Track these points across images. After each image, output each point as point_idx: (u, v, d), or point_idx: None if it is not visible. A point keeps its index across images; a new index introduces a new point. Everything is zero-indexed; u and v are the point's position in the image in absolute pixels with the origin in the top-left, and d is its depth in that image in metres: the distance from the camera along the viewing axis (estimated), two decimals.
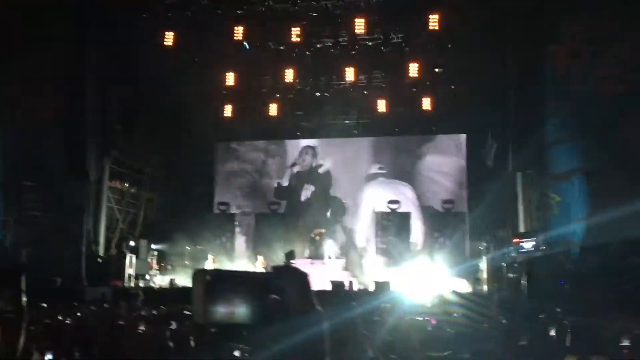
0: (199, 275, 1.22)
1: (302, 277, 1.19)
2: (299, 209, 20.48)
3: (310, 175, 20.72)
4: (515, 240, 14.40)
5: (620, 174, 13.85)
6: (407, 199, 19.66)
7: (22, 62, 18.01)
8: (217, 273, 1.25)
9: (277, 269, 1.22)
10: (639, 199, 12.12)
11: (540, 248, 13.56)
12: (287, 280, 1.21)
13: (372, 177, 20.44)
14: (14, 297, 1.22)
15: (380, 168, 20.41)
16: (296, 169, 20.78)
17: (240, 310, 1.24)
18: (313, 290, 1.18)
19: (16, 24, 18.00)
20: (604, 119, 14.24)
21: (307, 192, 20.68)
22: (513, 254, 14.26)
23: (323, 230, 18.68)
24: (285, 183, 20.79)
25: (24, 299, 1.35)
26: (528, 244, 13.76)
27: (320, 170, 20.66)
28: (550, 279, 14.05)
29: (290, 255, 18.35)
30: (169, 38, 17.99)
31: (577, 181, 14.36)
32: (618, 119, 14.13)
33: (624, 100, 14.11)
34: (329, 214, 20.47)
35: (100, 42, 16.83)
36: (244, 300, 1.23)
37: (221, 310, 1.23)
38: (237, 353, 4.25)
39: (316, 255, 17.89)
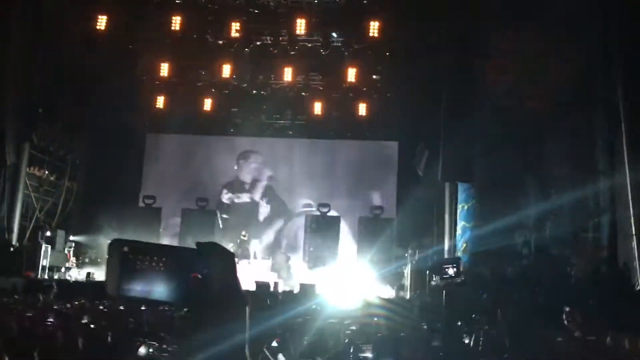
0: (116, 245, 1.07)
1: (228, 256, 1.07)
2: (230, 209, 20.20)
3: (252, 186, 20.50)
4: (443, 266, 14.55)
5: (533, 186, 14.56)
6: (337, 203, 19.74)
7: None
8: (135, 244, 1.10)
9: (201, 245, 1.09)
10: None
11: (460, 277, 13.80)
12: (211, 257, 1.08)
13: (303, 180, 20.39)
14: None
15: (311, 171, 20.41)
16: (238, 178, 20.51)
17: (159, 287, 1.10)
18: (237, 272, 1.06)
19: None
20: (525, 134, 14.84)
21: (242, 198, 20.46)
22: (433, 282, 14.47)
23: (245, 234, 18.49)
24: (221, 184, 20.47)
25: None
26: (451, 270, 13.94)
27: (264, 184, 20.51)
28: (470, 289, 14.44)
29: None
30: (102, 22, 17.34)
31: (495, 192, 14.92)
32: (537, 136, 14.79)
33: (544, 118, 14.76)
34: (260, 216, 20.30)
35: (25, 22, 15.95)
36: (163, 276, 1.10)
37: (138, 286, 1.09)
38: (142, 350, 4.06)
39: (242, 256, 17.66)
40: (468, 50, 14.80)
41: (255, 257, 18.04)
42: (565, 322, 6.35)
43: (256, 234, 19.06)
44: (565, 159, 14.78)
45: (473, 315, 9.89)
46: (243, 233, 18.45)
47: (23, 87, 16.09)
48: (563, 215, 14.19)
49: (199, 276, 1.12)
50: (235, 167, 20.59)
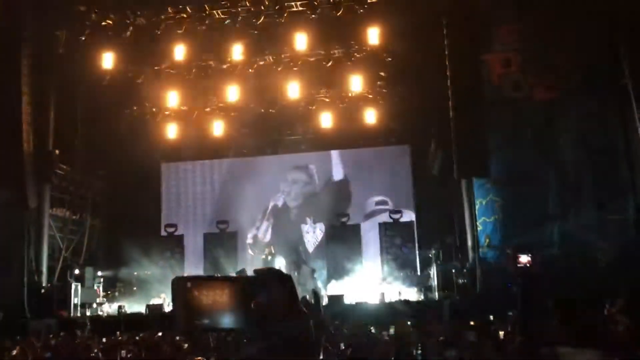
0: (179, 283, 1.19)
1: (285, 280, 1.18)
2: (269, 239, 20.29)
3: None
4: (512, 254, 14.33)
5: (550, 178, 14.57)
6: (356, 212, 19.81)
7: None
8: (197, 279, 1.22)
9: (259, 272, 1.20)
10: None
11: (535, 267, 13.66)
12: (269, 283, 1.19)
13: (320, 191, 20.52)
14: None
15: (328, 181, 20.54)
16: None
17: (224, 316, 1.21)
18: (296, 292, 1.18)
19: None
20: (537, 124, 14.90)
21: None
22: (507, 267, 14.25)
23: (271, 248, 18.59)
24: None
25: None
26: (525, 258, 13.75)
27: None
28: (498, 283, 14.44)
29: (241, 273, 18.18)
30: (108, 60, 17.69)
31: (511, 185, 14.96)
32: (549, 124, 14.83)
33: (555, 106, 14.82)
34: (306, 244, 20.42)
35: (35, 65, 16.34)
36: (227, 305, 1.21)
37: (205, 318, 1.21)
38: None
39: None
40: (472, 46, 14.91)
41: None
42: (607, 310, 6.31)
43: (281, 251, 19.16)
44: (580, 144, 14.80)
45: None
46: (268, 250, 18.56)
47: (38, 131, 16.44)
48: (584, 201, 14.18)
49: (259, 302, 1.21)
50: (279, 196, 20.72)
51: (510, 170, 14.86)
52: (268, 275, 1.21)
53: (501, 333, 7.52)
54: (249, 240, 20.13)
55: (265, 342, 1.20)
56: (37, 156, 16.27)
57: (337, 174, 20.55)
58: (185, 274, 18.88)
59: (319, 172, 20.68)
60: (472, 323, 8.44)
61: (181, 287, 1.20)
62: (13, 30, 16.04)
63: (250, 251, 19.94)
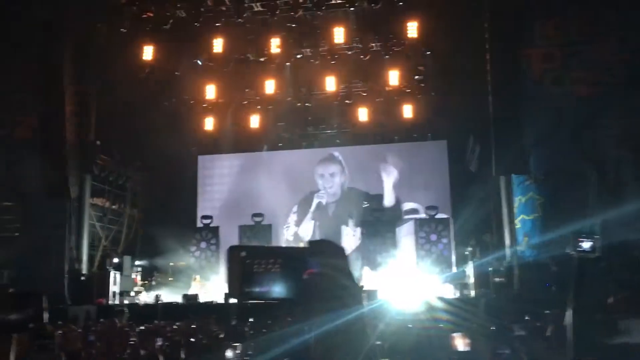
0: (234, 251, 1.18)
1: (339, 251, 1.16)
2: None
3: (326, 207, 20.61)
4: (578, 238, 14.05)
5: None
6: (390, 207, 19.71)
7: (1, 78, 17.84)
8: (251, 249, 1.21)
9: (313, 243, 1.18)
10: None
11: (596, 253, 13.39)
12: (323, 254, 1.17)
13: (356, 185, 20.47)
14: (35, 316, 1.18)
15: (364, 176, 20.46)
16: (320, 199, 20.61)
17: (276, 286, 1.20)
18: (350, 266, 1.15)
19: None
20: (578, 120, 14.55)
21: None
22: (569, 251, 14.08)
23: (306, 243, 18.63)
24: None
25: (46, 315, 1.30)
26: (586, 244, 13.48)
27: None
28: (536, 282, 14.20)
29: None
30: (148, 52, 17.93)
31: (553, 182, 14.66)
32: (591, 120, 14.46)
33: (597, 101, 14.44)
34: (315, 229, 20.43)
35: (77, 58, 16.69)
36: (280, 275, 1.19)
37: (257, 287, 1.19)
38: (229, 353, 4.18)
39: None
40: (513, 40, 14.62)
41: None
42: None
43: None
44: (622, 141, 14.40)
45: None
46: (301, 244, 18.62)
47: (80, 123, 16.81)
48: (627, 199, 13.80)
49: (313, 272, 1.19)
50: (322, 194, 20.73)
51: (551, 167, 14.55)
52: (322, 246, 1.18)
53: (549, 328, 7.39)
54: (289, 237, 20.13)
55: (317, 313, 1.17)
56: (79, 147, 16.65)
57: (372, 168, 20.43)
58: (220, 266, 19.13)
59: (352, 164, 20.61)
60: (527, 318, 8.28)
61: (235, 256, 1.19)
62: (57, 23, 16.40)
63: (284, 236, 20.01)
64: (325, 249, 1.19)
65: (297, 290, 1.20)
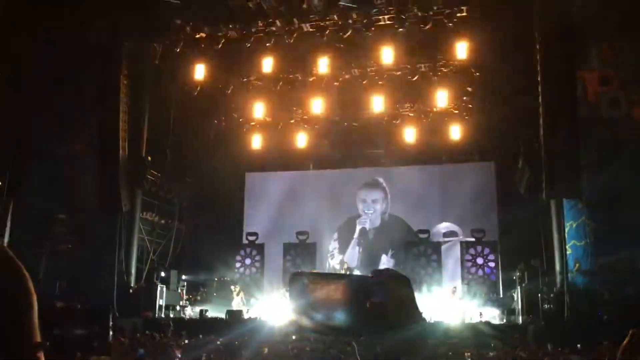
0: (296, 277, 1.19)
1: (404, 280, 1.16)
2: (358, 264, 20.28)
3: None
4: None
5: None
6: (436, 228, 19.46)
7: (56, 96, 18.57)
8: (314, 275, 1.22)
9: (376, 272, 1.19)
10: None
11: None
12: (387, 283, 1.17)
13: (401, 207, 20.32)
14: (101, 334, 1.22)
15: (409, 198, 20.28)
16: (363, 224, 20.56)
17: (338, 313, 1.20)
18: (414, 296, 1.15)
19: (51, 61, 18.61)
20: (636, 144, 14.11)
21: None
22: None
23: (347, 266, 18.62)
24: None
25: (111, 333, 1.34)
26: None
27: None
28: (588, 310, 13.76)
29: None
30: (199, 71, 18.37)
31: (607, 208, 14.23)
32: None
33: None
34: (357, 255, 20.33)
35: (131, 77, 17.23)
36: (342, 302, 1.19)
37: (319, 314, 1.20)
38: None
39: None
40: (567, 62, 14.33)
41: None
42: None
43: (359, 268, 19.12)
44: None
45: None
46: (345, 266, 18.61)
47: (133, 138, 17.31)
48: None
49: (376, 302, 1.18)
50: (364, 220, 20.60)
51: (605, 192, 14.13)
52: (386, 275, 1.18)
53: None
54: (336, 265, 19.93)
55: (379, 343, 1.17)
56: (130, 162, 17.11)
57: (417, 189, 20.24)
58: (265, 283, 19.22)
59: (397, 186, 20.45)
60: (579, 346, 8.01)
61: (297, 283, 1.20)
62: (114, 44, 17.00)
63: (328, 264, 19.99)
64: (390, 278, 1.19)
65: (359, 319, 1.19)
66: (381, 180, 20.55)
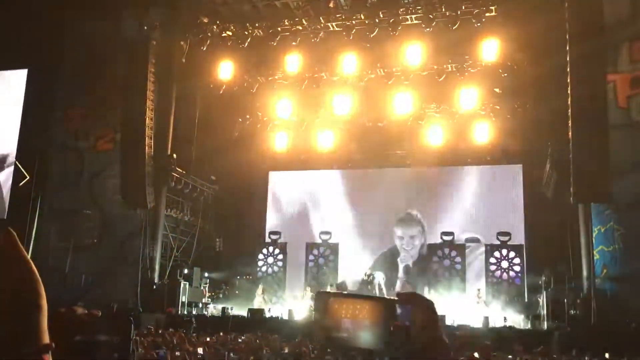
0: (322, 296, 1.16)
1: (428, 305, 1.11)
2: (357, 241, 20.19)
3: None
4: None
5: None
6: (461, 231, 19.25)
7: (82, 92, 18.85)
8: (339, 296, 1.19)
9: (402, 295, 1.15)
10: None
11: None
12: (412, 307, 1.13)
13: (426, 209, 20.12)
14: (123, 346, 1.19)
15: (434, 199, 20.08)
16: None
17: (363, 334, 1.17)
18: (439, 320, 1.10)
19: (79, 57, 18.89)
20: None
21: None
22: None
23: (370, 272, 18.54)
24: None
25: (131, 342, 1.33)
26: None
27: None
28: (615, 317, 13.49)
29: (341, 285, 18.23)
30: (225, 70, 18.46)
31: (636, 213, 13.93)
32: None
33: None
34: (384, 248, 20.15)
35: (158, 74, 17.37)
36: (367, 324, 1.17)
37: (343, 334, 1.17)
38: None
39: (367, 291, 17.62)
40: (597, 64, 14.02)
41: (381, 289, 17.90)
42: None
43: (381, 269, 19.01)
44: None
45: None
46: (367, 272, 18.53)
47: (159, 136, 17.45)
48: None
49: (401, 325, 1.16)
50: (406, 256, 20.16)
51: (635, 197, 13.81)
52: (411, 298, 1.15)
53: None
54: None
55: None
56: (156, 159, 17.26)
57: (442, 191, 20.03)
58: (287, 282, 19.25)
59: (421, 188, 20.19)
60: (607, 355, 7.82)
61: (323, 300, 1.17)
62: (141, 42, 17.16)
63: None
64: (414, 301, 1.16)
65: (384, 342, 1.17)
66: (415, 212, 20.14)
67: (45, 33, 18.29)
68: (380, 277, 18.54)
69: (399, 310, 1.16)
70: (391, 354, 1.14)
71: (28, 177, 18.79)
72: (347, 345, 1.19)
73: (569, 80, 14.25)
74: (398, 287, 19.19)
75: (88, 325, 1.20)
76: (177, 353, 8.96)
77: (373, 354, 1.17)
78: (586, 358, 10.17)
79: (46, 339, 0.82)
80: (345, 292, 1.17)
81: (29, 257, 0.88)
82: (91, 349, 1.20)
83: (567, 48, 14.36)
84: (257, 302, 17.58)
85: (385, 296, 1.23)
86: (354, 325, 1.17)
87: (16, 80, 20.09)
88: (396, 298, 1.18)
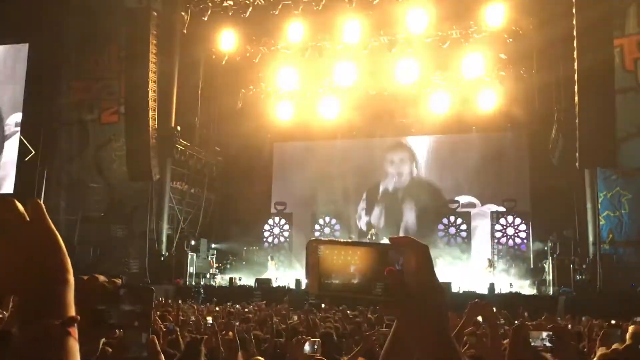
0: (313, 245, 1.15)
1: (422, 249, 1.11)
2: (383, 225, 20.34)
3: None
4: None
5: None
6: (467, 197, 19.25)
7: (85, 65, 18.74)
8: (331, 243, 1.18)
9: (394, 239, 1.14)
10: None
11: None
12: (405, 251, 1.12)
13: (433, 176, 20.12)
14: (143, 314, 1.20)
15: (440, 166, 20.07)
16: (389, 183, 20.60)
17: (356, 282, 1.17)
18: (433, 265, 1.10)
19: (80, 29, 18.72)
20: None
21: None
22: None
23: (374, 232, 18.66)
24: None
25: (154, 313, 1.34)
26: None
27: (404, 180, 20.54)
28: (621, 281, 13.55)
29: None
30: (228, 39, 18.28)
31: None
32: None
33: None
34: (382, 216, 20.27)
35: (160, 46, 17.22)
36: (360, 270, 1.16)
37: (336, 281, 1.17)
38: (307, 347, 4.21)
39: None
40: (604, 27, 13.79)
41: None
42: None
43: (385, 233, 19.07)
44: None
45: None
46: (372, 231, 18.60)
47: (162, 108, 17.38)
48: None
49: (394, 270, 1.15)
50: (389, 180, 20.65)
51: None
52: (404, 243, 1.13)
53: None
54: (363, 227, 20.05)
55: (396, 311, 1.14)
56: (160, 132, 17.22)
57: (448, 158, 19.98)
58: (293, 251, 19.38)
59: (427, 155, 20.24)
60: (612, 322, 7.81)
61: (314, 250, 1.16)
62: (142, 13, 16.97)
63: (358, 225, 20.03)
64: (407, 245, 1.14)
65: (378, 287, 1.16)
66: (406, 141, 20.41)
67: (46, 5, 18.10)
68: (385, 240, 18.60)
69: (391, 255, 1.15)
70: (385, 298, 1.14)
71: (33, 152, 18.82)
72: (341, 292, 1.19)
73: (575, 45, 14.04)
74: (374, 217, 19.66)
75: (110, 293, 1.20)
76: (188, 321, 9.07)
77: (368, 300, 1.17)
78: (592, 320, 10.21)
79: (72, 312, 0.83)
80: (337, 240, 1.16)
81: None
82: (113, 317, 1.20)
83: (574, 12, 14.12)
84: (269, 270, 17.71)
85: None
86: (347, 271, 1.17)
87: (18, 54, 19.97)
88: (389, 242, 1.17)
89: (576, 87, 14.17)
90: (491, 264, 16.55)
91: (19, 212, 0.84)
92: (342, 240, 1.22)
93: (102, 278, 1.22)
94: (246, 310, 12.31)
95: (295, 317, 11.01)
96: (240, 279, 17.03)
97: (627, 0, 14.60)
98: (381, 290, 1.18)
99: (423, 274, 1.07)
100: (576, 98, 14.13)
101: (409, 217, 19.88)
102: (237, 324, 10.23)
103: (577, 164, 14.29)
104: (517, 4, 16.08)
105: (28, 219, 0.84)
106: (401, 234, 19.69)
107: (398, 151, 20.42)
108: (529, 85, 17.69)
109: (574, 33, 14.18)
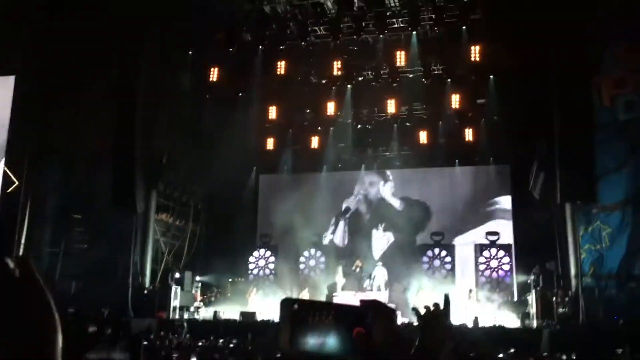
0: (287, 304, 1.24)
1: (388, 313, 1.22)
2: (346, 243, 20.38)
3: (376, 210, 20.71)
4: None
5: None
6: (449, 231, 19.39)
7: (71, 94, 18.77)
8: (304, 302, 1.27)
9: (364, 302, 1.24)
10: None
11: None
12: (373, 313, 1.23)
13: (401, 206, 20.30)
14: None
15: (422, 200, 20.24)
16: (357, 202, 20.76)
17: (329, 341, 1.26)
18: (398, 327, 1.21)
19: (68, 59, 18.80)
20: None
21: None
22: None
23: (359, 264, 18.64)
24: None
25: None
26: None
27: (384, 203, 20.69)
28: (603, 314, 13.68)
29: (332, 287, 18.30)
30: (214, 74, 18.49)
31: (622, 212, 14.13)
32: None
33: None
34: (377, 247, 20.29)
35: (148, 78, 17.34)
36: (332, 330, 1.25)
37: (310, 341, 1.25)
38: None
39: (358, 287, 17.76)
40: (582, 65, 14.18)
41: (379, 289, 17.90)
42: None
43: (372, 266, 19.09)
44: None
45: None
46: (357, 263, 18.60)
47: (148, 140, 17.41)
48: None
49: (363, 330, 1.24)
50: (352, 199, 20.83)
51: (622, 196, 14.01)
52: (371, 305, 1.23)
53: None
54: (326, 243, 20.22)
55: None
56: (146, 163, 17.22)
57: (431, 192, 20.18)
58: (280, 284, 19.30)
59: (410, 188, 20.44)
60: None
61: (288, 309, 1.25)
62: (133, 45, 17.12)
63: (340, 264, 20.00)
64: (374, 308, 1.25)
65: (348, 347, 1.25)
66: (389, 172, 20.68)
67: (33, 33, 18.19)
68: (382, 272, 18.43)
69: (361, 316, 1.24)
70: (355, 357, 1.22)
71: (17, 183, 18.67)
72: (312, 351, 1.26)
73: (554, 82, 14.44)
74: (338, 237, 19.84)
75: (100, 343, 1.28)
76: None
77: (337, 358, 1.25)
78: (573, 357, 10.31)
79: None
80: (309, 300, 1.25)
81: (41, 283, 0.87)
82: None
83: (552, 51, 14.55)
84: (250, 303, 17.61)
85: (349, 303, 1.31)
86: (321, 331, 1.25)
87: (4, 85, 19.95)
88: (358, 305, 1.26)
89: (556, 123, 14.51)
90: (470, 294, 16.65)
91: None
92: (315, 300, 1.31)
93: (91, 329, 1.27)
94: (231, 345, 12.22)
95: (278, 355, 10.97)
96: (218, 312, 16.91)
97: (605, 38, 15.01)
98: (350, 350, 1.26)
99: (388, 336, 1.17)
100: (556, 134, 14.46)
101: (374, 230, 20.00)
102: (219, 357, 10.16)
103: (557, 198, 14.54)
104: (496, 43, 16.49)
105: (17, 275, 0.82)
106: (382, 264, 19.81)
107: (371, 174, 20.65)
108: (510, 120, 18.03)
109: (552, 70, 14.60)
